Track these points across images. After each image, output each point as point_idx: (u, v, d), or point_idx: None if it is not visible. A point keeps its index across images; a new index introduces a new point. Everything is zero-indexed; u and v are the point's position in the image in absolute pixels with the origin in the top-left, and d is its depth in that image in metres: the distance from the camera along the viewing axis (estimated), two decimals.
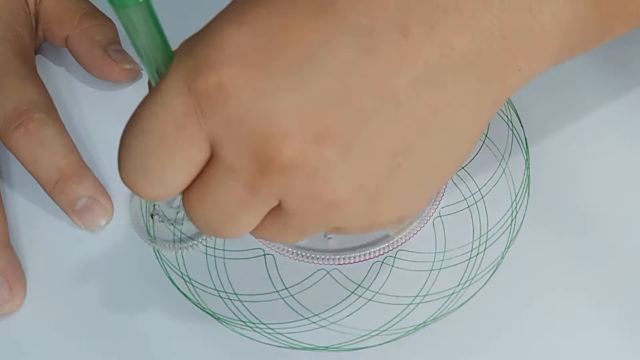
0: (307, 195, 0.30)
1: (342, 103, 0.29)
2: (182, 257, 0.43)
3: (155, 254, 0.43)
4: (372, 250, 0.42)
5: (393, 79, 0.29)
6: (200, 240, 0.43)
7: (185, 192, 0.31)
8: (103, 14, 0.49)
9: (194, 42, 0.30)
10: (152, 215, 0.43)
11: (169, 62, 0.30)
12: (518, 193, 0.43)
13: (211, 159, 0.30)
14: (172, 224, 0.43)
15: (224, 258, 0.43)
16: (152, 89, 0.30)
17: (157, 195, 0.31)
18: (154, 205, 0.44)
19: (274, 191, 0.30)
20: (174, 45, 0.31)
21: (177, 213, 0.44)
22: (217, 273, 0.42)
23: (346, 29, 0.29)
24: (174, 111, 0.29)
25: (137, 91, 0.48)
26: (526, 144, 0.45)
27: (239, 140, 0.29)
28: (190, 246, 0.43)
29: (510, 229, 0.42)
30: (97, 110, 0.48)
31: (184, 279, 0.42)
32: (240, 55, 0.29)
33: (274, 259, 0.43)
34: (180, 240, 0.43)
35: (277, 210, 0.31)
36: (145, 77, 0.49)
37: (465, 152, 0.33)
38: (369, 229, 0.33)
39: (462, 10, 0.30)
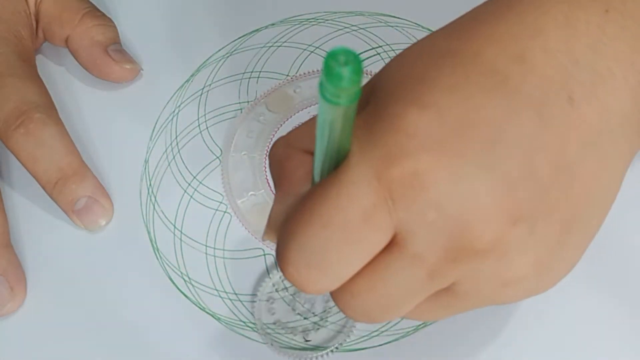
0: (490, 277, 0.30)
1: (529, 179, 0.29)
2: (182, 257, 0.43)
3: (155, 253, 0.43)
4: None
5: (566, 147, 0.29)
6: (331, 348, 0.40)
7: (348, 282, 0.30)
8: (103, 14, 0.49)
9: (373, 130, 0.29)
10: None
11: (343, 155, 0.29)
12: None
13: (391, 246, 0.29)
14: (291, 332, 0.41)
15: (224, 258, 0.43)
16: (332, 178, 0.29)
17: (325, 288, 0.29)
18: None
19: (456, 275, 0.29)
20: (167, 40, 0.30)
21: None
22: (217, 273, 0.42)
23: (522, 103, 0.29)
24: (363, 203, 0.28)
25: (137, 91, 0.48)
26: None
27: (434, 228, 0.28)
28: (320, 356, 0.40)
29: None
30: (97, 110, 0.48)
31: (184, 279, 0.42)
32: (432, 141, 0.28)
33: (274, 259, 0.43)
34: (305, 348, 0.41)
35: (444, 291, 0.30)
36: (145, 77, 0.49)
37: (610, 207, 0.33)
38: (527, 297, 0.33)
39: (615, 73, 0.30)
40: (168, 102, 0.48)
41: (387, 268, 0.29)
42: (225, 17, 0.51)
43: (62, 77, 0.49)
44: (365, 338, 0.40)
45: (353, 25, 0.49)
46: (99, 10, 0.49)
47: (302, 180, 0.31)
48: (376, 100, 0.30)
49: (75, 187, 0.44)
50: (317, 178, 0.30)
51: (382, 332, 0.40)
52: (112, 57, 0.48)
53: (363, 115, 0.30)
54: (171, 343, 0.41)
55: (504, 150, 0.29)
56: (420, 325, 0.40)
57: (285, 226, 0.30)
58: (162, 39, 0.50)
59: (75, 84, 0.49)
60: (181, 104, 0.48)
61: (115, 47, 0.48)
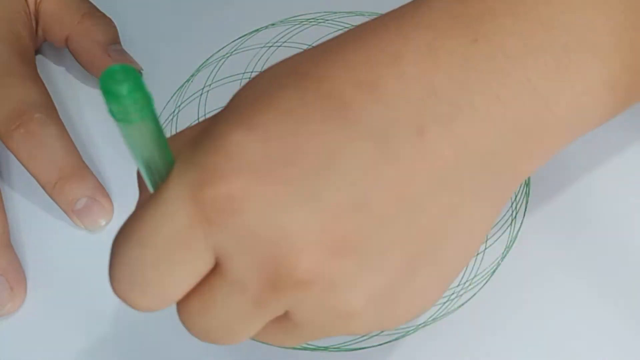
0: (319, 308, 0.29)
1: (359, 211, 0.27)
2: None
3: None
4: None
5: (412, 182, 0.28)
6: None
7: (182, 302, 0.29)
8: (103, 14, 0.49)
9: (197, 148, 0.28)
10: None
11: (169, 168, 0.28)
12: (518, 193, 0.43)
13: (215, 269, 0.28)
14: None
15: None
16: (152, 196, 0.28)
17: (151, 307, 0.29)
18: None
19: (283, 304, 0.29)
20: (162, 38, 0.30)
21: None
22: None
23: (361, 132, 0.28)
24: (177, 223, 0.27)
25: None
26: None
27: (249, 255, 0.27)
28: None
29: (510, 229, 0.42)
30: (97, 110, 0.48)
31: None
32: (251, 164, 0.27)
33: None
34: None
35: (283, 318, 0.30)
36: (145, 77, 0.49)
37: (478, 246, 0.32)
38: (376, 331, 0.32)
39: (477, 107, 0.29)
40: (168, 102, 0.48)
41: (212, 292, 0.28)
42: (225, 17, 0.51)
43: (62, 77, 0.49)
44: (365, 338, 0.40)
45: (353, 26, 0.49)
46: (99, 10, 0.49)
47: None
48: (213, 119, 0.29)
49: (75, 187, 0.44)
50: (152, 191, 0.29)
51: (382, 332, 0.40)
52: (112, 57, 0.48)
53: (196, 133, 0.29)
54: (171, 343, 0.41)
55: (331, 180, 0.27)
56: (420, 325, 0.40)
57: (113, 243, 0.29)
58: (162, 39, 0.50)
59: (75, 84, 0.49)
60: (181, 104, 0.48)
61: (115, 47, 0.48)
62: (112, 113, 0.25)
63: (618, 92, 0.32)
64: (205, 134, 0.28)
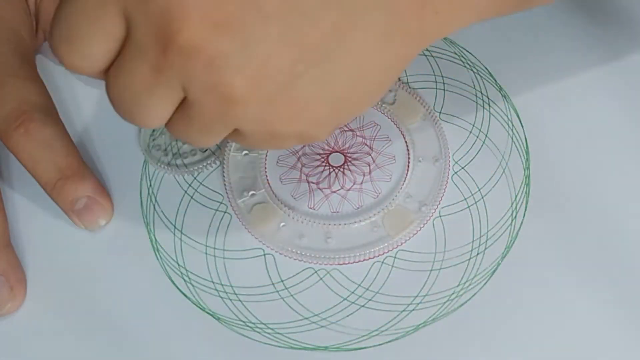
0: (204, 84, 0.32)
1: (246, 1, 0.30)
2: (182, 257, 0.43)
3: (155, 254, 0.43)
4: (372, 250, 0.42)
5: None
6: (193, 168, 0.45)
7: (106, 73, 0.33)
8: None
9: None
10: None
11: None
12: (518, 193, 0.43)
13: (126, 37, 0.32)
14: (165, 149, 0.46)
15: (224, 258, 0.43)
16: None
17: (78, 65, 0.33)
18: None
19: (177, 76, 0.32)
20: None
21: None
22: (217, 273, 0.42)
23: None
24: None
25: None
26: (526, 143, 0.45)
27: (146, 18, 0.31)
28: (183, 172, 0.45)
29: (510, 229, 0.42)
30: (97, 110, 0.48)
31: (184, 279, 0.42)
32: None
33: (274, 259, 0.43)
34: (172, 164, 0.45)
35: (184, 103, 0.33)
36: None
37: (374, 89, 0.34)
38: (270, 141, 0.34)
39: None
40: None
41: (123, 58, 0.32)
42: None
43: (62, 77, 0.49)
44: (365, 338, 0.40)
45: None
46: None
47: None
48: None
49: (75, 187, 0.44)
50: None
51: (382, 332, 0.40)
52: None
53: None
54: (171, 343, 0.41)
55: None
56: (420, 325, 0.40)
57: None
58: None
59: (75, 84, 0.49)
60: None
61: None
62: None
63: None
64: None
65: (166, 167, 0.45)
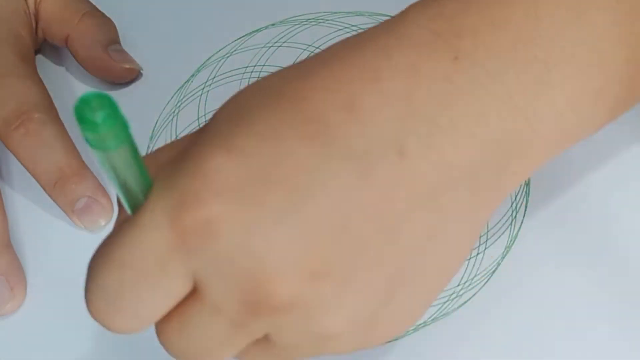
0: (299, 333, 0.29)
1: (338, 234, 0.27)
2: None
3: None
4: None
5: (391, 204, 0.28)
6: None
7: (161, 323, 0.29)
8: (103, 14, 0.49)
9: (176, 171, 0.28)
10: None
11: (147, 191, 0.28)
12: (518, 193, 0.43)
13: (194, 292, 0.28)
14: None
15: None
16: (130, 220, 0.28)
17: (128, 329, 0.29)
18: None
19: (262, 328, 0.28)
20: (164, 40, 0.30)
21: None
22: None
23: (340, 153, 0.27)
24: (156, 247, 0.27)
25: (137, 91, 0.48)
26: None
27: (227, 280, 0.27)
28: None
29: (510, 229, 0.42)
30: None
31: None
32: (230, 188, 0.27)
33: None
34: None
35: (264, 341, 0.29)
36: (145, 77, 0.49)
37: (459, 266, 0.32)
38: (358, 351, 0.32)
39: (457, 125, 0.29)
40: (168, 102, 0.48)
41: (191, 316, 0.28)
42: (225, 17, 0.51)
43: (62, 77, 0.49)
44: None
45: (353, 26, 0.49)
46: (99, 10, 0.49)
47: None
48: (192, 138, 0.29)
49: (75, 187, 0.44)
50: (130, 213, 0.29)
51: None
52: (112, 57, 0.48)
53: (174, 153, 0.29)
54: None
55: (309, 202, 0.27)
56: (420, 325, 0.40)
57: (89, 265, 0.29)
58: (162, 39, 0.50)
59: (75, 84, 0.49)
60: (181, 103, 0.48)
61: (115, 47, 0.48)
62: (88, 141, 0.25)
63: (605, 104, 0.32)
64: (184, 155, 0.28)
65: None
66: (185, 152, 0.28)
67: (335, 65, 0.29)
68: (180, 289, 0.28)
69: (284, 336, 0.29)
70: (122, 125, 0.25)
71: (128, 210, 0.29)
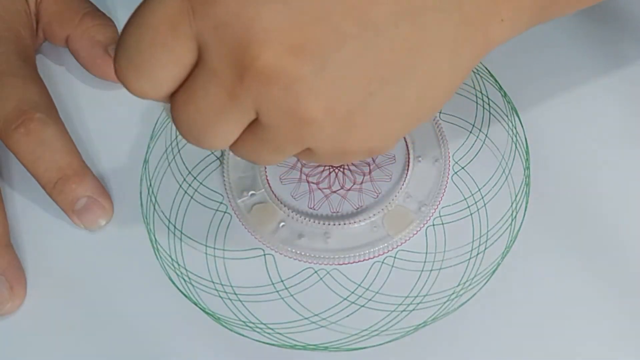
0: (280, 108, 0.32)
1: (322, 22, 0.30)
2: (182, 257, 0.43)
3: (155, 254, 0.43)
4: (372, 250, 0.42)
5: (374, 8, 0.31)
6: None
7: (172, 97, 0.33)
8: (104, 14, 0.49)
9: None
10: None
11: None
12: (518, 193, 0.43)
13: (198, 62, 0.32)
14: None
15: (223, 258, 0.43)
16: None
17: (145, 90, 0.33)
18: None
19: (252, 100, 0.32)
20: None
21: None
22: (217, 273, 0.42)
23: None
24: (170, 8, 0.31)
25: None
26: (526, 144, 0.45)
27: (222, 44, 0.31)
28: None
29: (510, 229, 0.42)
30: (97, 110, 0.48)
31: (183, 279, 0.42)
32: None
33: (274, 259, 0.43)
34: None
35: (255, 124, 0.33)
36: None
37: (441, 99, 0.34)
38: (340, 158, 0.35)
39: None
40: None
41: (194, 83, 0.32)
42: None
43: (62, 77, 0.49)
44: (365, 338, 0.40)
45: None
46: (99, 10, 0.49)
47: None
48: None
49: (75, 187, 0.44)
50: None
51: (382, 332, 0.40)
52: (112, 57, 0.48)
53: None
54: (171, 343, 0.41)
55: None
56: (420, 325, 0.40)
57: (122, 31, 0.33)
58: None
59: (75, 84, 0.49)
60: None
61: (115, 47, 0.48)
62: None
63: None
64: None
65: None
66: None
67: None
68: (186, 54, 0.32)
69: (269, 114, 0.32)
70: None
71: None
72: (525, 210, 0.43)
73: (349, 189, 0.44)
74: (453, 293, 0.41)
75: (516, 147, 0.44)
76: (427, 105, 0.34)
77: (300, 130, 0.32)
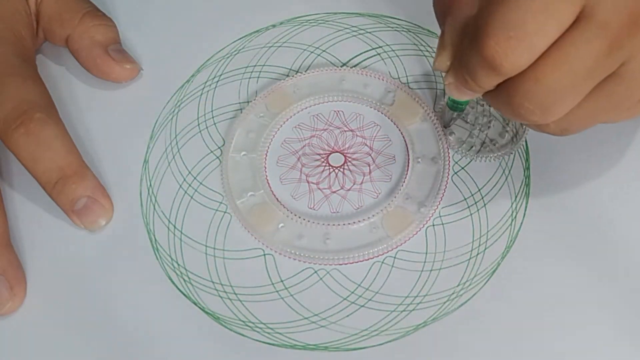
0: None
1: None
2: (182, 257, 0.43)
3: (155, 253, 0.43)
4: (372, 250, 0.42)
5: None
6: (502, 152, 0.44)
7: (533, 66, 0.33)
8: (104, 14, 0.49)
9: None
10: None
11: None
12: (518, 193, 0.43)
13: (578, 20, 0.33)
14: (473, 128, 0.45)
15: (223, 258, 0.43)
16: None
17: (519, 62, 0.33)
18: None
19: (629, 50, 0.33)
20: None
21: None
22: (217, 273, 0.42)
23: None
24: None
25: (137, 91, 0.48)
26: (526, 144, 0.45)
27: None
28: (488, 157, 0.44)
29: (510, 229, 0.42)
30: (97, 110, 0.48)
31: (183, 278, 0.42)
32: None
33: (274, 259, 0.43)
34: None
35: (610, 77, 0.34)
36: (145, 77, 0.49)
37: None
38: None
39: None
40: (168, 102, 0.48)
41: (573, 42, 0.33)
42: (226, 18, 0.51)
43: (62, 77, 0.49)
44: (365, 338, 0.40)
45: (353, 27, 0.49)
46: (99, 10, 0.49)
47: (470, 4, 0.36)
48: None
49: (75, 187, 0.44)
50: None
51: (382, 332, 0.40)
52: (112, 57, 0.48)
53: None
54: (171, 343, 0.41)
55: None
56: (420, 325, 0.40)
57: (483, 11, 0.34)
58: (162, 39, 0.50)
59: (75, 84, 0.49)
60: (181, 103, 0.48)
61: (115, 47, 0.48)
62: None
63: None
64: None
65: (468, 150, 0.44)
66: None
67: None
68: (568, 16, 0.33)
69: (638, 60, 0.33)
70: None
71: None
72: (525, 210, 0.43)
73: (349, 189, 0.44)
74: (453, 293, 0.41)
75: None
76: None
77: None
